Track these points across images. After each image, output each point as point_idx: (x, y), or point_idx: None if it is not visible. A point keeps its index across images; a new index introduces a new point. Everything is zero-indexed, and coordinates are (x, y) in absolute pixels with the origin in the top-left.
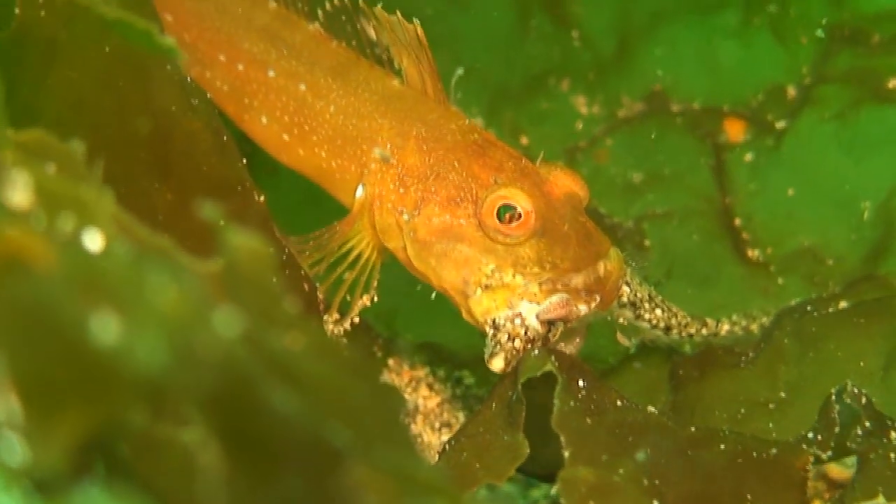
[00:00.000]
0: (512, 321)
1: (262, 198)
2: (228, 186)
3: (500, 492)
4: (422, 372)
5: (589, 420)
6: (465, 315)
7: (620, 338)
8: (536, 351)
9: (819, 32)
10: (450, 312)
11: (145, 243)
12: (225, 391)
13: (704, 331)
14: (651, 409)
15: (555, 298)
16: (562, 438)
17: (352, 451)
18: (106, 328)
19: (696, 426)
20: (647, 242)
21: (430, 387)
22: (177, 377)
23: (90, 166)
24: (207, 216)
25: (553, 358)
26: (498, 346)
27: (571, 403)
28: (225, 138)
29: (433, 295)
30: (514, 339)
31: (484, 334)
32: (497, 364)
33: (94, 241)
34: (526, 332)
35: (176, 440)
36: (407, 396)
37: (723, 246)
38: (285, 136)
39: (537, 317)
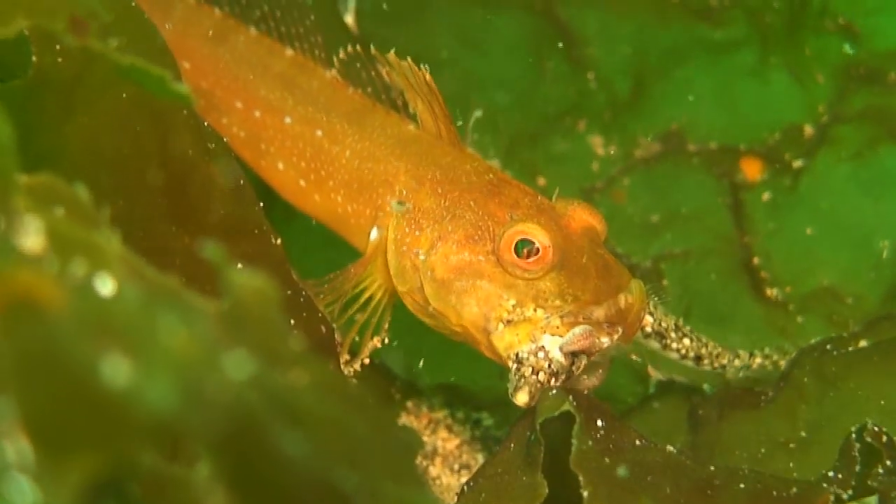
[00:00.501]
0: (535, 354)
1: (278, 241)
2: (245, 230)
3: None
4: (440, 414)
5: (607, 459)
6: (486, 352)
7: (651, 371)
8: (555, 388)
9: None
10: (468, 354)
11: (153, 283)
12: (235, 434)
13: (737, 362)
14: (670, 447)
15: (577, 331)
16: (580, 478)
17: (360, 496)
18: (117, 370)
19: (715, 465)
20: (664, 282)
21: (449, 428)
22: (187, 419)
23: (98, 209)
24: (209, 256)
25: (571, 398)
26: (522, 381)
27: (590, 443)
28: (241, 182)
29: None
30: (538, 373)
31: (507, 370)
32: (522, 398)
33: (105, 284)
34: (549, 366)
35: (185, 482)
36: (426, 439)
37: (741, 285)
38: (301, 182)
39: (560, 349)
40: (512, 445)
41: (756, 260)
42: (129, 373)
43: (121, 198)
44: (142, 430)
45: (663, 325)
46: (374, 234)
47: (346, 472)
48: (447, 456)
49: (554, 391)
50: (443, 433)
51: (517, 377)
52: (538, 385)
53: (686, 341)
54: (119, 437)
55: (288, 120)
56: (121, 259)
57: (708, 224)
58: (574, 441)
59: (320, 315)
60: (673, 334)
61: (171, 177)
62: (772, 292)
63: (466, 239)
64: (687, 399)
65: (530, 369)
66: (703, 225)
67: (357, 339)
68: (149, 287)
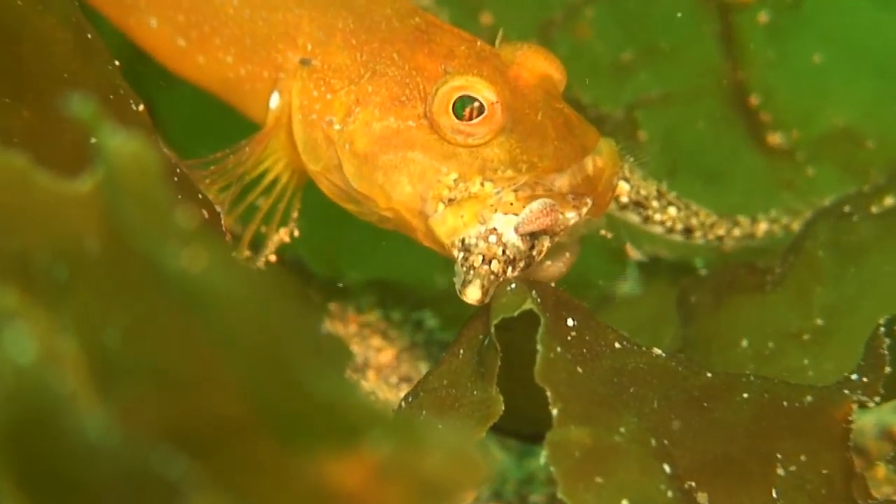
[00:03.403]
0: (485, 239)
1: (141, 107)
2: (98, 95)
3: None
4: (372, 316)
5: (580, 369)
6: (424, 240)
7: (630, 250)
8: (513, 280)
9: None
10: (403, 241)
11: None
12: (21, 426)
13: (737, 231)
14: (657, 350)
15: (535, 206)
16: (548, 393)
17: (190, 483)
18: None
19: (712, 371)
20: (641, 134)
21: (384, 334)
22: None
23: None
24: (77, 113)
25: (534, 292)
26: (471, 272)
27: (559, 349)
28: (90, 36)
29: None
30: (490, 262)
31: (452, 260)
32: (473, 294)
33: None
34: (504, 251)
35: None
36: (355, 348)
37: (736, 132)
38: (181, 42)
39: (516, 230)
40: (461, 352)
41: (753, 99)
42: None
43: None
44: None
45: (642, 192)
46: (274, 101)
47: (171, 457)
48: (382, 368)
49: (513, 284)
50: (376, 340)
51: (465, 268)
52: (492, 276)
53: (672, 210)
54: None
55: None
56: None
57: (692, 58)
58: (539, 347)
59: (201, 196)
60: (655, 203)
61: None
62: (774, 139)
63: (391, 101)
64: (675, 282)
65: (481, 258)
66: (687, 60)
67: (262, 230)
68: None
